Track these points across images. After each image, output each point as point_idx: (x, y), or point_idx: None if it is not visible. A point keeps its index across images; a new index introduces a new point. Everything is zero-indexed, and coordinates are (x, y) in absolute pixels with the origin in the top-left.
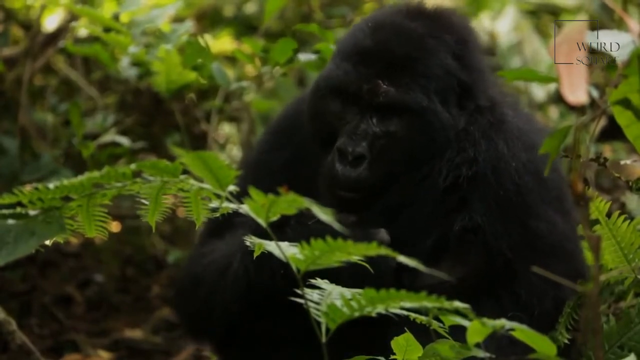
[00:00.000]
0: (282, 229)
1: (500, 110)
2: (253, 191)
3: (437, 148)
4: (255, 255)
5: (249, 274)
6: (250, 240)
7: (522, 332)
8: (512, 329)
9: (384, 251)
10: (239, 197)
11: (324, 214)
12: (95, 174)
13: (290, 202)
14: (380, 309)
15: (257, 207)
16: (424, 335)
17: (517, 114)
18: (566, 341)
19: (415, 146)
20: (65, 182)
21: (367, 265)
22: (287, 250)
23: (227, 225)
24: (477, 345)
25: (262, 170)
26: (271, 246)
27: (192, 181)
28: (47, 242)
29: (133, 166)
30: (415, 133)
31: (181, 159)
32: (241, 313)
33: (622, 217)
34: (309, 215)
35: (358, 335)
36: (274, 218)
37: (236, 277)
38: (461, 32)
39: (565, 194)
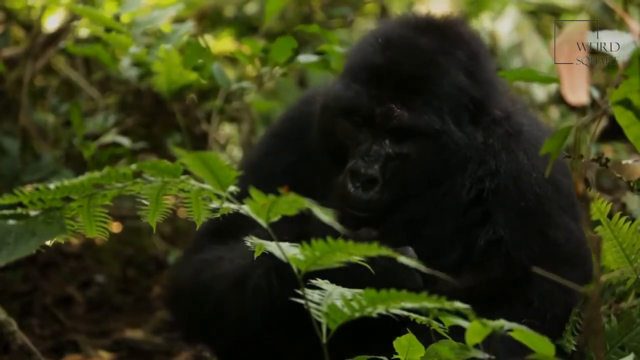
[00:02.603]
0: None
1: (516, 120)
2: (254, 192)
3: (452, 168)
4: (256, 255)
5: (272, 290)
6: (269, 254)
7: (520, 333)
8: (511, 330)
9: (384, 251)
10: (240, 199)
11: (325, 215)
12: (96, 174)
13: (291, 203)
14: (380, 309)
15: (257, 207)
16: (427, 337)
17: (530, 121)
18: (573, 348)
19: (429, 168)
20: (66, 182)
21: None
22: (287, 251)
23: (228, 229)
24: (477, 346)
25: (263, 173)
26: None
27: (192, 182)
28: (48, 243)
29: (134, 167)
30: (430, 155)
31: (182, 160)
32: (258, 324)
33: (624, 218)
34: (324, 231)
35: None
36: (275, 219)
37: (257, 292)
38: (471, 45)
39: (575, 199)
